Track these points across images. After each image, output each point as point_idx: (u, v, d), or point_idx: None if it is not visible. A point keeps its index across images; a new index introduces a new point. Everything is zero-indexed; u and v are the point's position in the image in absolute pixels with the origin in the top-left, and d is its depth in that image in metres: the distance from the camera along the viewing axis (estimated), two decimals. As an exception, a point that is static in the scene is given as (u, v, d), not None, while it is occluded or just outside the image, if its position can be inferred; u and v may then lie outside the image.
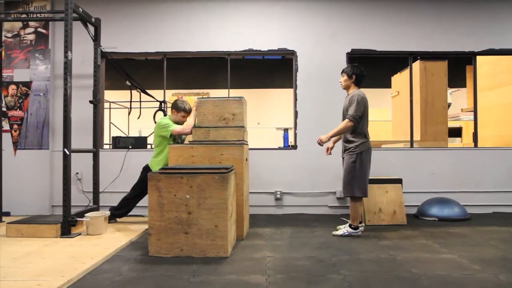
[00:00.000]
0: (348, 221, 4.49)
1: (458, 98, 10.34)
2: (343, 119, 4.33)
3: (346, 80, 4.35)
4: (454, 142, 8.16)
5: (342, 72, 4.42)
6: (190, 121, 4.61)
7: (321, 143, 4.22)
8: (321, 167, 5.73)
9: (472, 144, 5.98)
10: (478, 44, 5.87)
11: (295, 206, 5.75)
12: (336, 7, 5.89)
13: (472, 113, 6.09)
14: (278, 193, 5.74)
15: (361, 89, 4.34)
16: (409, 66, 6.05)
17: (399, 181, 5.08)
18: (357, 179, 4.18)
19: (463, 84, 8.89)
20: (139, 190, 4.76)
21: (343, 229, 4.29)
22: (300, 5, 5.89)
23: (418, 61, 6.24)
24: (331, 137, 4.23)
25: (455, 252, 3.57)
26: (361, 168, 4.19)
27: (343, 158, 4.40)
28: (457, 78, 8.59)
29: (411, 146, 5.96)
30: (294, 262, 3.31)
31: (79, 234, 4.30)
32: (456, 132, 8.10)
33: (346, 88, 4.40)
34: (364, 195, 4.23)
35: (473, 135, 5.95)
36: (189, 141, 4.41)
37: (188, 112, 4.76)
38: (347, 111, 4.24)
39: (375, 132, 7.83)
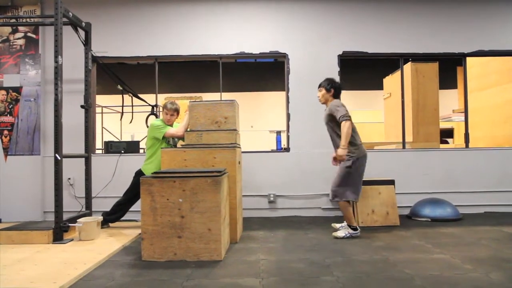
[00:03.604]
0: (341, 224, 4.49)
1: (449, 99, 10.45)
2: (328, 129, 4.35)
3: (324, 94, 4.34)
4: (446, 143, 8.23)
5: (319, 87, 4.40)
6: (183, 123, 4.61)
7: (341, 159, 4.10)
8: (314, 170, 5.74)
9: (464, 145, 6.03)
10: (468, 46, 5.93)
11: (288, 208, 5.76)
12: (327, 10, 5.92)
13: (463, 114, 6.14)
14: (272, 195, 5.74)
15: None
16: (400, 68, 6.09)
17: (391, 182, 5.10)
18: (351, 184, 4.20)
19: (454, 85, 8.99)
20: (132, 194, 4.74)
21: (344, 231, 4.29)
22: (292, 8, 5.92)
23: (409, 63, 6.30)
24: (345, 146, 4.09)
25: (447, 252, 3.59)
26: (356, 174, 4.21)
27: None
28: (448, 80, 8.68)
29: (403, 147, 6.00)
30: (288, 265, 3.31)
31: (72, 239, 4.27)
32: (447, 133, 8.18)
33: (325, 102, 4.37)
34: (356, 199, 4.26)
35: (465, 136, 6.00)
36: (181, 145, 4.41)
37: (175, 111, 4.74)
38: (331, 121, 4.25)
39: (367, 133, 7.88)
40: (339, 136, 4.18)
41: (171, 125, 4.78)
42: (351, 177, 4.19)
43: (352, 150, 4.17)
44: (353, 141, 4.20)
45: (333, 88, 4.30)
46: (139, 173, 4.73)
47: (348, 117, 4.08)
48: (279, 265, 3.31)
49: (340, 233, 4.28)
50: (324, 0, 5.92)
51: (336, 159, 4.28)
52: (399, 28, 5.92)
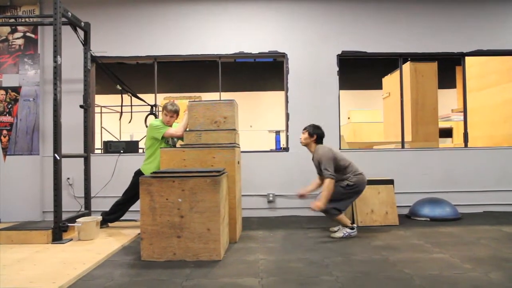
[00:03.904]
0: (338, 227, 4.48)
1: (448, 99, 10.45)
2: (318, 172, 4.52)
3: (306, 138, 4.46)
4: (445, 142, 8.24)
5: (304, 129, 4.51)
6: (182, 123, 4.60)
7: (319, 209, 4.17)
8: (313, 169, 5.70)
9: (463, 145, 6.03)
10: (467, 45, 5.93)
11: (287, 208, 5.76)
12: (326, 10, 5.92)
13: (462, 113, 6.15)
14: (271, 195, 5.74)
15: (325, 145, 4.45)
16: (399, 68, 6.10)
17: (391, 182, 5.10)
18: (345, 199, 4.30)
19: (453, 85, 8.99)
20: (131, 194, 4.74)
21: (342, 231, 4.30)
22: (291, 7, 5.92)
23: (409, 62, 6.30)
24: (324, 202, 4.14)
25: (446, 252, 3.59)
26: (352, 193, 4.32)
27: None
28: (447, 79, 8.68)
29: (403, 147, 6.00)
30: (287, 264, 3.31)
31: (71, 239, 4.26)
32: (447, 133, 8.18)
33: (306, 145, 4.50)
34: (342, 211, 4.32)
35: (464, 135, 6.01)
36: (180, 145, 4.40)
37: (175, 112, 4.74)
38: (319, 167, 4.36)
39: (366, 133, 7.88)
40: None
41: (170, 126, 4.77)
42: (347, 195, 4.30)
43: (353, 181, 4.29)
44: (351, 174, 4.33)
45: (316, 134, 4.42)
46: (138, 173, 4.73)
47: (331, 175, 4.16)
48: (278, 264, 3.31)
49: (339, 234, 4.30)
50: (323, 0, 5.92)
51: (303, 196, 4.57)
52: (398, 27, 5.92)
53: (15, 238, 4.16)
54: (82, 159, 5.10)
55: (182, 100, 7.56)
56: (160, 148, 4.37)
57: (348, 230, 4.28)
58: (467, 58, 6.12)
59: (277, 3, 5.92)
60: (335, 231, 4.42)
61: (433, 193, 5.67)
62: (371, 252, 3.66)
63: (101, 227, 4.65)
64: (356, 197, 4.48)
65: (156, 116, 5.84)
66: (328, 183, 4.15)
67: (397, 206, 5.08)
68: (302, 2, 5.92)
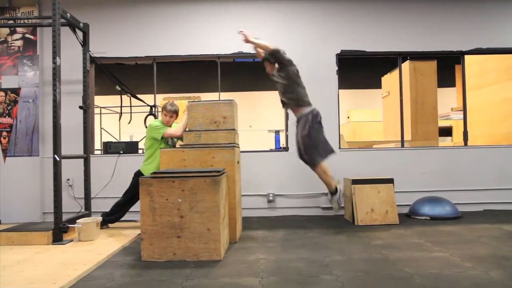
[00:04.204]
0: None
1: (448, 97, 10.45)
2: (290, 86, 4.48)
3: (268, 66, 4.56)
4: (445, 141, 8.24)
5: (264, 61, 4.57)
6: (181, 123, 4.60)
7: (245, 38, 4.27)
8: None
9: (463, 143, 6.03)
10: (466, 44, 5.93)
11: (288, 208, 5.76)
12: (325, 9, 5.93)
13: (462, 112, 6.15)
14: (271, 195, 5.74)
15: None
16: (398, 67, 6.10)
17: (390, 181, 5.10)
18: (319, 143, 4.32)
19: (452, 84, 8.99)
20: (131, 195, 4.74)
21: (331, 201, 4.49)
22: (291, 8, 5.92)
23: (408, 61, 6.30)
24: (255, 43, 4.29)
25: (446, 250, 3.60)
26: (319, 123, 4.35)
27: (297, 126, 4.48)
28: (446, 78, 8.68)
29: (402, 145, 6.00)
30: (287, 264, 3.31)
31: (71, 240, 4.26)
32: (446, 131, 8.18)
33: (272, 72, 4.58)
34: (327, 157, 4.33)
35: (463, 134, 6.01)
36: (180, 145, 4.40)
37: (174, 112, 4.75)
38: (289, 77, 4.41)
39: (366, 132, 7.88)
40: (300, 86, 4.41)
41: (170, 126, 4.78)
42: (318, 137, 4.33)
43: (310, 111, 4.35)
44: (307, 103, 4.42)
45: (274, 58, 4.45)
46: (138, 174, 4.73)
47: (279, 50, 4.32)
48: (278, 264, 3.31)
49: (333, 204, 4.46)
50: (322, 0, 5.92)
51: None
52: (397, 26, 5.92)
53: (16, 239, 4.16)
54: (82, 160, 5.10)
55: (181, 101, 7.57)
56: (160, 148, 4.37)
57: (333, 196, 4.42)
58: (466, 57, 6.12)
59: (277, 3, 5.92)
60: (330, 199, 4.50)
61: (433, 192, 5.67)
62: (372, 251, 3.66)
63: (101, 228, 4.66)
64: (322, 129, 4.41)
65: (155, 117, 5.84)
66: (268, 44, 4.25)
67: (397, 205, 5.07)
68: (302, 2, 5.92)
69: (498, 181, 5.78)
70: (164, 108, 4.74)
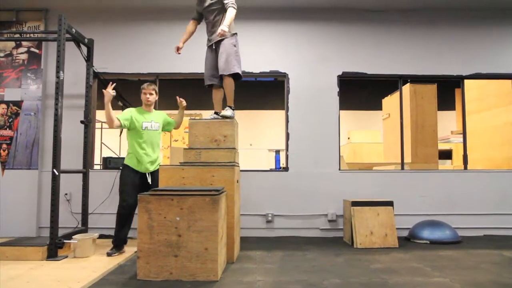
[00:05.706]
0: None
1: (448, 121, 10.50)
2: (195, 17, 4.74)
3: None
4: (445, 164, 8.24)
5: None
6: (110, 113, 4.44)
7: (224, 33, 4.25)
8: (313, 189, 5.72)
9: (463, 167, 6.02)
10: (466, 68, 5.99)
11: (286, 228, 5.70)
12: (327, 32, 6.00)
13: (462, 135, 6.16)
14: (270, 215, 5.69)
15: None
16: (399, 89, 6.13)
17: (390, 203, 5.07)
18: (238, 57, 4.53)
19: (452, 107, 9.05)
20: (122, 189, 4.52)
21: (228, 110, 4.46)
22: (292, 28, 6.00)
23: (408, 84, 6.35)
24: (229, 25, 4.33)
25: (446, 276, 3.55)
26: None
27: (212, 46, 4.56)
28: (446, 101, 8.74)
29: (402, 168, 5.99)
30: (285, 286, 3.26)
31: (66, 256, 4.21)
32: (446, 154, 8.19)
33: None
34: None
35: (463, 157, 6.01)
36: (180, 162, 4.39)
37: (153, 89, 4.67)
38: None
39: (366, 154, 7.88)
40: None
41: (150, 105, 4.70)
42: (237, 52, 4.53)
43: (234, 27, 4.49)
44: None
45: None
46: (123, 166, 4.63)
47: (234, 5, 4.34)
48: (276, 286, 3.26)
49: (226, 112, 4.40)
50: (325, 23, 6.00)
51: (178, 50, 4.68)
52: (398, 50, 5.99)
53: (10, 254, 4.11)
54: (81, 174, 5.08)
55: (182, 117, 7.58)
56: (138, 140, 4.43)
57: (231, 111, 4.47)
58: (466, 81, 6.17)
59: (279, 24, 5.99)
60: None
61: (433, 216, 5.63)
62: (371, 274, 3.61)
63: (113, 255, 4.36)
64: None
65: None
66: (230, 11, 4.30)
67: (397, 228, 5.03)
68: (305, 23, 6.00)
69: (499, 206, 5.75)
70: (142, 87, 4.66)
